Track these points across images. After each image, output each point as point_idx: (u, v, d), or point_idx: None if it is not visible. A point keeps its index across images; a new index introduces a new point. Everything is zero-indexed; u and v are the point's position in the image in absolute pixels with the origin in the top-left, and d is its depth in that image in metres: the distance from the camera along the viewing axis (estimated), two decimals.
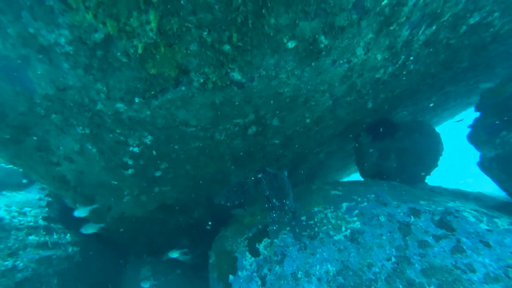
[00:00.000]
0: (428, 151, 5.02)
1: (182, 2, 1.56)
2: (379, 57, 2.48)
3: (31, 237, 3.44)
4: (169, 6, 1.58)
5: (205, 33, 1.76)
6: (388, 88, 3.34)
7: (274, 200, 2.65)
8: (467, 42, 2.94)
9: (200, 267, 5.89)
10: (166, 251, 5.95)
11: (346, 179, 9.36)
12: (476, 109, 3.51)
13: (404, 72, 3.06)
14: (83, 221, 5.02)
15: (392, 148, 5.06)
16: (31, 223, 3.64)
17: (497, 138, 3.05)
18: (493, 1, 2.34)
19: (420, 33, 2.39)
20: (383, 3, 1.85)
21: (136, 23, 1.64)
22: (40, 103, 2.09)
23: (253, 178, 2.75)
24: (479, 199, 4.14)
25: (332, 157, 6.21)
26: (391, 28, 2.12)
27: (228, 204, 2.92)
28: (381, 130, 5.01)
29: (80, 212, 2.99)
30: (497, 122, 3.03)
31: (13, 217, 3.45)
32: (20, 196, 4.13)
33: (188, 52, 1.88)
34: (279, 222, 2.86)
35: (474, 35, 2.87)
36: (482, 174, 3.83)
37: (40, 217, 4.00)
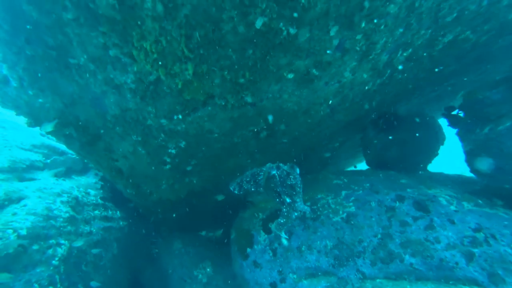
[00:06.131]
0: (428, 141, 5.29)
1: (210, 56, 2.25)
2: (365, 75, 3.01)
3: (96, 212, 4.52)
4: (201, 59, 2.28)
5: (226, 72, 2.45)
6: (381, 93, 3.83)
7: (285, 197, 2.76)
8: (449, 53, 3.32)
9: (221, 243, 6.86)
10: (193, 228, 6.94)
11: (357, 165, 9.62)
12: (459, 109, 3.91)
13: (393, 81, 3.53)
14: (127, 201, 6.08)
15: (394, 139, 5.39)
16: (94, 201, 4.73)
17: (472, 134, 3.50)
18: (460, 25, 2.73)
19: (398, 55, 2.88)
20: (360, 44, 2.41)
21: (178, 69, 2.37)
22: (110, 120, 2.95)
23: (267, 173, 2.86)
24: (468, 183, 4.51)
25: (341, 148, 6.70)
26: (370, 57, 2.66)
27: (240, 192, 3.08)
28: (384, 122, 5.37)
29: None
30: (471, 121, 3.45)
31: (83, 196, 4.54)
32: (83, 180, 5.24)
33: (213, 84, 2.59)
34: (287, 217, 2.93)
35: (453, 48, 3.25)
36: None
37: (99, 197, 5.09)
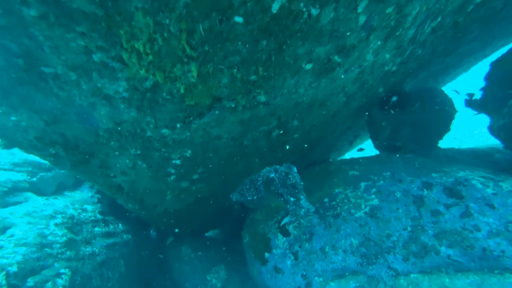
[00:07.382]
0: (440, 118, 5.01)
1: (216, 52, 1.85)
2: (387, 56, 2.67)
3: (96, 229, 4.14)
4: (206, 57, 1.88)
5: (235, 70, 2.06)
6: (398, 73, 3.51)
7: (289, 197, 2.72)
8: (476, 16, 2.97)
9: (229, 240, 6.64)
10: (201, 231, 6.68)
11: (360, 146, 9.46)
12: (485, 79, 3.58)
13: (412, 58, 3.20)
14: (128, 212, 5.72)
15: (405, 120, 5.09)
16: (92, 218, 4.33)
17: (504, 107, 3.19)
18: None
19: (425, 27, 2.53)
20: (389, 19, 2.05)
21: (179, 72, 1.96)
22: (102, 135, 2.54)
23: (265, 178, 2.78)
24: (489, 155, 4.21)
25: (346, 133, 6.44)
26: (397, 33, 2.31)
27: (242, 200, 3.00)
28: (392, 102, 5.02)
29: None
30: (504, 92, 3.12)
31: (79, 213, 4.14)
32: (77, 195, 4.81)
33: (221, 84, 2.20)
34: (295, 215, 2.89)
35: (482, 9, 2.90)
36: None
37: (97, 211, 4.69)
